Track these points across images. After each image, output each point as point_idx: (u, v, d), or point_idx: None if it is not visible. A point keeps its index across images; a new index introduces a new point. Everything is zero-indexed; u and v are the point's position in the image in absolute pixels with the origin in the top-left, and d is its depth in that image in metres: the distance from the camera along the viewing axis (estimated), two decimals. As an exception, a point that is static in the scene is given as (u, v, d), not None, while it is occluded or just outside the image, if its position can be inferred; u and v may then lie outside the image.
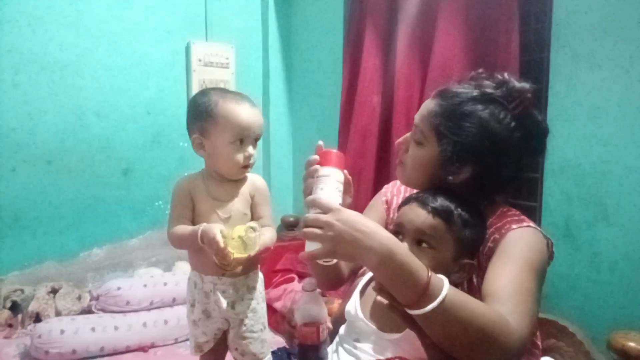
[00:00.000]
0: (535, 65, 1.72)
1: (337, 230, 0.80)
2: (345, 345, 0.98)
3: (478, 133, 0.93)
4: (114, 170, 2.55)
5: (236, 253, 1.16)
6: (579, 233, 1.51)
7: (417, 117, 1.02)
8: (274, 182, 2.95)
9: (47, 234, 2.38)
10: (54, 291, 2.25)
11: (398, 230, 0.95)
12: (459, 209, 0.93)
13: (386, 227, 1.16)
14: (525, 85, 0.96)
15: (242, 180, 1.39)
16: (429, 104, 1.00)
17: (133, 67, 2.55)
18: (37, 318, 2.12)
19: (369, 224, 0.81)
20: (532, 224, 0.96)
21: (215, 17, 2.74)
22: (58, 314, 2.15)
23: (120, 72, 2.52)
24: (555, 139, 1.57)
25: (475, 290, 0.94)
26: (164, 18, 2.62)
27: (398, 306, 0.79)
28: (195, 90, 2.64)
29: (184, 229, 1.30)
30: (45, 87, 2.34)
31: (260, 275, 1.46)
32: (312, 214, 0.85)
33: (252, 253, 1.20)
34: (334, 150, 1.00)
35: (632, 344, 1.20)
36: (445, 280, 0.78)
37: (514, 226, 0.94)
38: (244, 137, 1.29)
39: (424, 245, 0.91)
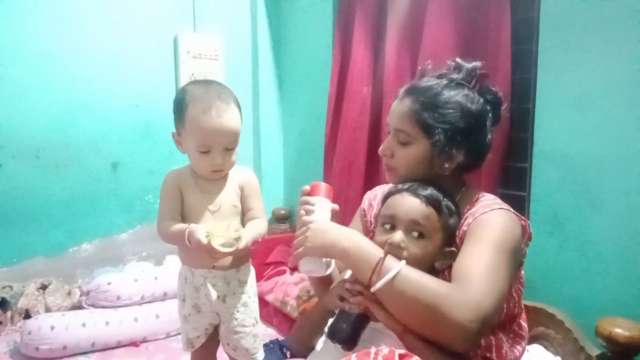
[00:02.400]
0: (524, 55, 1.72)
1: (311, 232, 0.98)
2: None
3: (462, 116, 1.01)
4: (102, 164, 2.53)
5: (222, 249, 1.18)
6: (567, 222, 1.53)
7: (395, 121, 1.07)
8: (265, 174, 2.94)
9: (35, 229, 2.36)
10: (44, 287, 2.23)
11: (390, 221, 0.98)
12: (445, 198, 0.98)
13: (366, 234, 1.20)
14: (476, 63, 1.06)
15: (230, 173, 1.38)
16: (403, 105, 1.05)
17: (120, 59, 2.51)
18: (27, 314, 2.10)
19: (335, 225, 1.00)
20: (504, 206, 1.01)
21: (203, 8, 2.70)
22: (48, 310, 2.13)
23: (107, 64, 2.48)
24: (544, 127, 1.58)
25: None
26: (151, 9, 2.58)
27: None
28: (183, 82, 2.62)
29: (172, 226, 1.29)
30: (31, 81, 2.30)
31: (252, 269, 1.45)
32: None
33: (240, 246, 1.20)
34: (323, 183, 1.12)
35: (619, 330, 1.21)
36: (403, 261, 0.89)
37: (486, 210, 0.99)
38: (210, 146, 1.25)
39: (416, 234, 0.95)
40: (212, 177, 1.34)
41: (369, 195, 1.30)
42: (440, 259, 0.98)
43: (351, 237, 0.96)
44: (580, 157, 1.49)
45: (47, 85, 2.34)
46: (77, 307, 2.15)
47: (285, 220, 2.89)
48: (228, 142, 1.27)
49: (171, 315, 2.08)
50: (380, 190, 1.28)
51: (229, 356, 1.43)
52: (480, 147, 1.06)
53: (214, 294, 1.34)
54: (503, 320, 1.02)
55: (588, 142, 1.47)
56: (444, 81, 1.05)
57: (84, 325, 1.93)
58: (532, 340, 1.53)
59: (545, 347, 1.47)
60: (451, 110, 1.01)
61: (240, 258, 1.38)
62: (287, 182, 3.03)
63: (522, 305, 1.09)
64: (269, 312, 2.25)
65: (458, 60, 1.08)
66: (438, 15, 1.79)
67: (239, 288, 1.38)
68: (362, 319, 0.96)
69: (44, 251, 2.38)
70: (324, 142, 2.45)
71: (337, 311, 1.01)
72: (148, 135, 2.62)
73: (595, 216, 1.46)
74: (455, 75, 1.05)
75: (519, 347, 1.06)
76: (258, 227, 1.33)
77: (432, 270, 0.98)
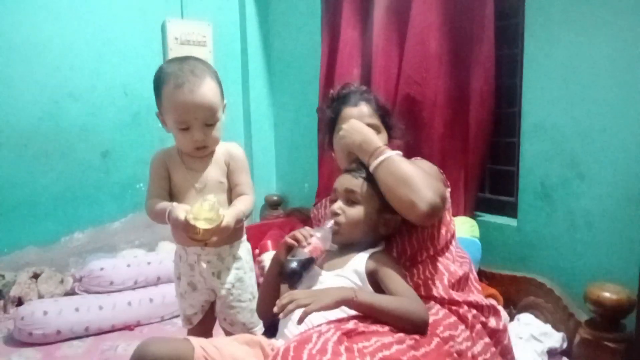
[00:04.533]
0: (510, 30, 1.74)
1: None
2: None
3: (390, 110, 1.47)
4: (93, 153, 2.52)
5: (201, 226, 1.17)
6: (555, 193, 1.55)
7: (364, 120, 1.32)
8: (257, 162, 2.94)
9: (26, 219, 2.35)
10: (36, 276, 2.22)
11: (333, 197, 1.20)
12: None
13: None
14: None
15: (216, 149, 1.38)
16: (361, 108, 1.37)
17: (108, 47, 2.50)
18: (20, 302, 2.09)
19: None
20: (418, 158, 1.32)
21: (191, -6, 2.70)
22: (41, 297, 2.12)
23: (94, 52, 2.47)
24: (531, 102, 1.60)
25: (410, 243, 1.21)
26: (138, -4, 2.57)
27: None
28: (172, 69, 2.60)
29: (157, 204, 1.30)
30: (18, 70, 2.29)
31: (248, 245, 1.46)
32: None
33: (219, 224, 1.19)
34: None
35: (606, 294, 1.23)
36: (398, 152, 1.16)
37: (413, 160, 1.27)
38: (188, 122, 1.25)
39: (353, 202, 1.15)
40: (197, 154, 1.34)
41: (315, 210, 1.55)
42: (382, 225, 1.16)
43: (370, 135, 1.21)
44: (566, 129, 1.51)
45: (33, 74, 2.33)
46: (70, 294, 2.14)
47: (278, 206, 2.89)
48: (205, 117, 1.26)
49: (165, 299, 2.08)
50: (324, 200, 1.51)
51: (225, 332, 1.44)
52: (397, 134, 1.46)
53: (207, 271, 1.34)
54: (442, 245, 1.23)
55: (574, 113, 1.48)
56: (368, 90, 1.45)
57: (77, 310, 1.92)
58: (523, 309, 1.56)
59: (536, 316, 1.49)
60: (386, 106, 1.42)
61: (233, 234, 1.37)
62: (279, 168, 3.03)
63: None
64: (263, 295, 2.25)
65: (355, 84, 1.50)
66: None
67: (234, 264, 1.39)
68: (308, 262, 1.08)
69: (36, 241, 2.38)
70: (317, 126, 2.45)
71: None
72: (138, 123, 2.61)
73: (582, 186, 1.48)
74: (364, 88, 1.47)
75: (464, 267, 1.24)
76: (241, 205, 1.33)
77: (379, 236, 1.18)
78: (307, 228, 1.18)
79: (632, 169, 1.35)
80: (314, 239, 1.11)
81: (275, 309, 0.99)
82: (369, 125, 1.30)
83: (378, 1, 1.96)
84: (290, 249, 1.12)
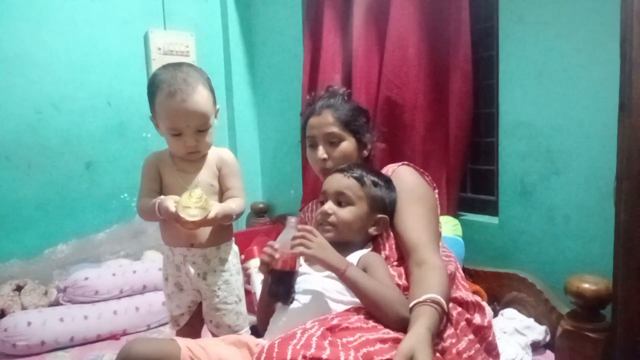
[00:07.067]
0: (485, 33, 1.79)
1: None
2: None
3: (363, 115, 1.41)
4: (76, 164, 2.49)
5: (188, 217, 1.20)
6: (534, 189, 1.58)
7: (324, 129, 1.33)
8: (242, 170, 2.90)
9: (8, 231, 2.31)
10: (19, 288, 2.19)
11: (322, 197, 1.20)
12: (369, 174, 1.19)
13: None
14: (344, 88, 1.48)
15: (208, 153, 1.41)
16: (326, 116, 1.34)
17: (90, 57, 2.50)
18: (2, 315, 2.05)
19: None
20: (405, 162, 1.31)
21: (174, 4, 2.71)
22: (24, 309, 2.08)
23: (77, 63, 2.46)
24: (508, 101, 1.64)
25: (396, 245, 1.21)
26: (121, 6, 2.57)
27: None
28: (155, 80, 2.62)
29: (147, 202, 1.32)
30: (-1, 81, 2.28)
31: (235, 247, 1.47)
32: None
33: (209, 216, 1.23)
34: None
35: (586, 285, 1.26)
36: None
37: (394, 167, 1.29)
38: (181, 129, 1.28)
39: (344, 203, 1.16)
40: (189, 159, 1.37)
41: (302, 214, 1.56)
42: (372, 225, 1.18)
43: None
44: (543, 126, 1.55)
45: (15, 85, 2.31)
46: (54, 305, 2.11)
47: (264, 214, 2.90)
48: (197, 125, 1.29)
49: (151, 308, 2.07)
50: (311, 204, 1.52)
51: (212, 334, 1.44)
52: (370, 138, 1.42)
53: (191, 270, 1.35)
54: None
55: (550, 111, 1.53)
56: (339, 97, 1.39)
57: (61, 320, 1.89)
58: (506, 304, 1.58)
59: (519, 311, 1.52)
60: (358, 113, 1.38)
61: (220, 236, 1.40)
62: (264, 176, 3.04)
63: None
64: (251, 300, 2.25)
65: (333, 86, 1.47)
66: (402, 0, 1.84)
67: (220, 266, 1.40)
68: (291, 274, 1.09)
69: (19, 253, 2.34)
70: (300, 134, 2.48)
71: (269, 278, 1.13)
72: (122, 134, 2.60)
73: (559, 181, 1.52)
74: (341, 91, 1.42)
75: (450, 267, 1.24)
76: (232, 203, 1.36)
77: (368, 237, 1.20)
78: (270, 243, 1.16)
79: (606, 164, 1.37)
80: (277, 254, 1.10)
81: (292, 243, 1.06)
82: (328, 134, 1.32)
83: (358, 9, 2.01)
84: (268, 265, 1.12)
